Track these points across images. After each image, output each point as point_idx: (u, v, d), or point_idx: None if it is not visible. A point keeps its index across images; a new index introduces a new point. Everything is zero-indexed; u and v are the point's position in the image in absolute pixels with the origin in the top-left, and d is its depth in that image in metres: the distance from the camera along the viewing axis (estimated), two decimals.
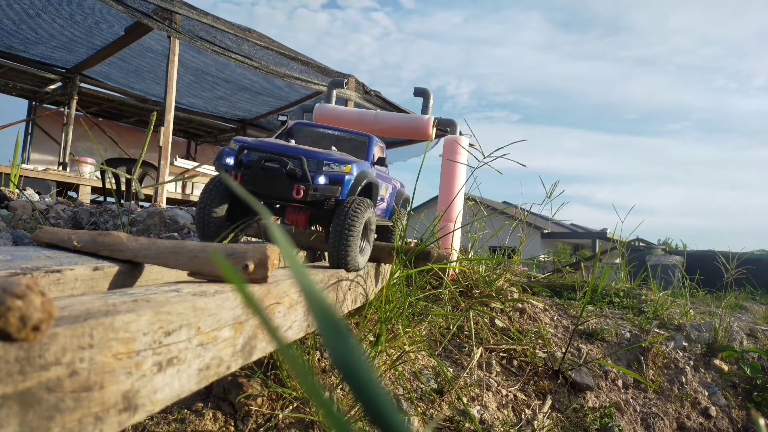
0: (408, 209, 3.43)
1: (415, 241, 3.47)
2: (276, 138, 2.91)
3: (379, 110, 7.90)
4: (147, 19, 6.46)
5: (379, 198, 2.84)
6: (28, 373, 0.64)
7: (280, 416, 2.03)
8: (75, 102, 10.13)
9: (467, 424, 2.40)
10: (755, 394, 3.94)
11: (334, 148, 2.75)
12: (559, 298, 4.71)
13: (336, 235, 2.24)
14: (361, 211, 2.28)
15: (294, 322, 1.63)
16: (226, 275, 0.30)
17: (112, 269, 1.50)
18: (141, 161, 2.94)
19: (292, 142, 2.55)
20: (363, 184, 2.42)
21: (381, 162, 2.92)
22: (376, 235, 3.15)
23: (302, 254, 3.18)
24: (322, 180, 2.29)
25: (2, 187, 3.31)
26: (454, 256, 3.81)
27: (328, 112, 4.70)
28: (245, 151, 2.33)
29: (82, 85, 10.22)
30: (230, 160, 2.34)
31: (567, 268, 6.91)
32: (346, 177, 2.35)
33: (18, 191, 3.56)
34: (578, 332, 3.83)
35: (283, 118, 3.17)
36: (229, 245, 1.52)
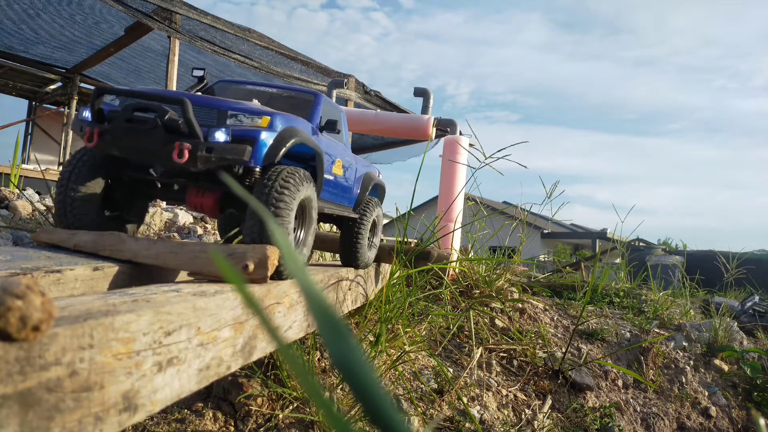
0: (383, 199, 2.89)
1: (415, 241, 3.46)
2: None
3: (379, 110, 7.90)
4: (147, 19, 6.46)
5: (330, 175, 2.12)
6: (28, 373, 0.64)
7: (280, 416, 2.03)
8: (75, 102, 10.13)
9: (467, 424, 2.40)
10: (755, 394, 3.94)
11: (256, 101, 2.04)
12: (559, 298, 4.70)
13: (255, 219, 1.59)
14: (293, 185, 1.62)
15: (294, 322, 1.63)
16: (226, 275, 0.30)
17: (112, 269, 1.50)
18: None
19: None
20: (290, 144, 1.70)
21: (331, 126, 2.10)
22: (336, 230, 2.54)
23: None
24: (221, 136, 1.57)
25: (2, 188, 3.30)
26: (454, 256, 3.81)
27: None
28: (107, 98, 1.67)
29: (82, 85, 10.22)
30: (88, 114, 1.70)
31: (567, 268, 6.91)
32: (262, 134, 1.61)
33: (18, 191, 3.56)
34: (578, 332, 3.83)
35: (199, 73, 2.27)
36: (230, 245, 1.52)
